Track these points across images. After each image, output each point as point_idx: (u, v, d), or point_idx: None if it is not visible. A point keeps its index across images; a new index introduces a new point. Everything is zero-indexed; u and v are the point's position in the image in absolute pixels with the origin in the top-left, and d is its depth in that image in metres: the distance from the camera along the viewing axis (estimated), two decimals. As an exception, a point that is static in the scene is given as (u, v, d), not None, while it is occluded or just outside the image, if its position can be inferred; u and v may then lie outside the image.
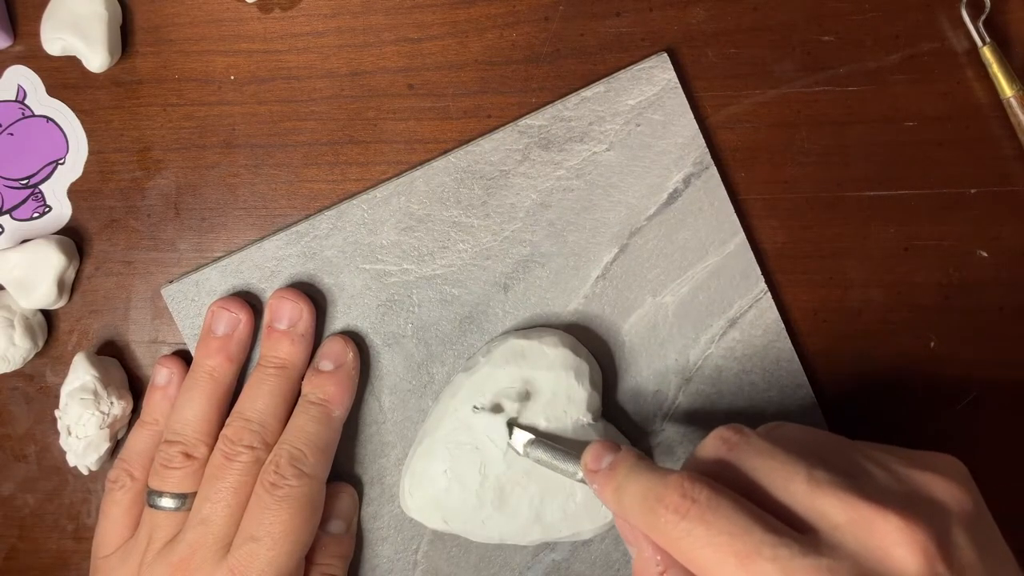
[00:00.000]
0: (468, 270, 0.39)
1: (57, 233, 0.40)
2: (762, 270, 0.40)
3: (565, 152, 0.39)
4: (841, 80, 0.40)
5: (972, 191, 0.40)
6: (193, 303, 0.39)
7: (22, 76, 0.40)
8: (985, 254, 0.40)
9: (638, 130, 0.39)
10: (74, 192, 0.40)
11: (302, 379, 0.38)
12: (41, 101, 0.40)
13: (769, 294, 0.39)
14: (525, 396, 0.37)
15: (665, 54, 0.39)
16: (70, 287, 0.40)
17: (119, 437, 0.40)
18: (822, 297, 0.40)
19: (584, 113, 0.39)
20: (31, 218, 0.40)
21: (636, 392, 0.40)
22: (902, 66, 0.40)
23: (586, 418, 0.37)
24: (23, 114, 0.40)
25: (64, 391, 0.38)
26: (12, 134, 0.40)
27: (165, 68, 0.40)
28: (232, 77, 0.40)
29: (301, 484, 0.35)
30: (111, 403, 0.38)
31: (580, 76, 0.40)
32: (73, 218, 0.40)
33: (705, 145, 0.39)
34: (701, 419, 0.40)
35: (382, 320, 0.39)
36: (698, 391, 0.39)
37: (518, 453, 0.36)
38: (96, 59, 0.38)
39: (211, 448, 0.36)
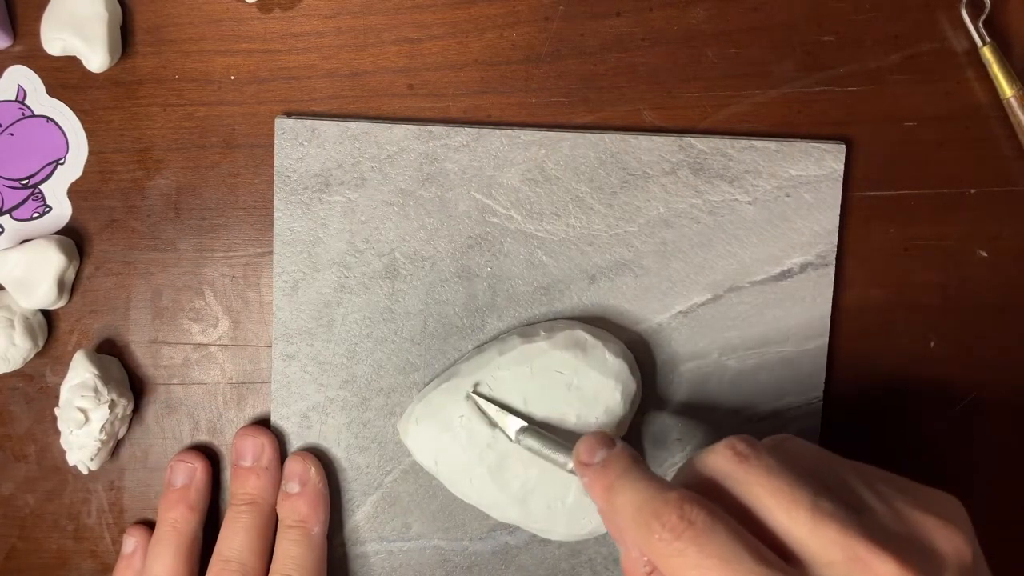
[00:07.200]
0: (567, 246, 0.39)
1: (57, 233, 0.40)
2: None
3: (711, 186, 0.39)
4: (841, 80, 0.40)
5: (972, 191, 0.40)
6: (300, 146, 0.38)
7: (22, 76, 0.40)
8: (985, 254, 0.40)
9: (786, 199, 0.39)
10: (74, 192, 0.40)
11: (275, 506, 0.39)
12: (41, 101, 0.40)
13: (821, 403, 0.39)
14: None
15: (844, 146, 0.39)
16: (70, 287, 0.40)
17: (119, 436, 0.40)
18: (822, 297, 0.40)
19: (746, 159, 0.39)
20: (31, 218, 0.40)
21: (660, 432, 0.39)
22: (902, 66, 0.40)
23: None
24: (23, 114, 0.40)
25: (64, 388, 0.38)
26: (12, 134, 0.40)
27: (165, 68, 0.40)
28: (232, 77, 0.40)
29: None
30: (111, 400, 0.38)
31: (580, 76, 0.40)
32: (73, 218, 0.40)
33: (836, 244, 0.39)
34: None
35: (465, 252, 0.39)
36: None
37: (509, 439, 0.36)
38: (96, 59, 0.38)
39: None
